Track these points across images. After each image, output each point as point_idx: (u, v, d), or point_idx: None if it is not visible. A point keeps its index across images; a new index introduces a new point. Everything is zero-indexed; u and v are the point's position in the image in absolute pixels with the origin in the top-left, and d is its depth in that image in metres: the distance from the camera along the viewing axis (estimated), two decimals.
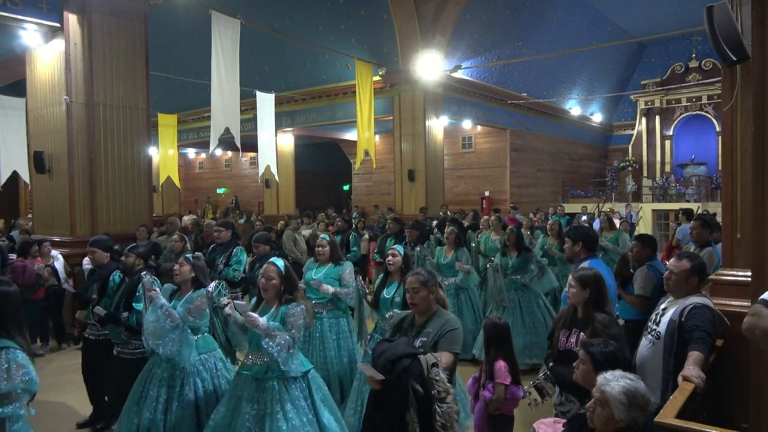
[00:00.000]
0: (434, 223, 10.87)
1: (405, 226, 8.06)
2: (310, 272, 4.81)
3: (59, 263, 7.15)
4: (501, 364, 3.56)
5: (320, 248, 4.79)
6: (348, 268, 4.71)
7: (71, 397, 5.29)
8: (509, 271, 6.15)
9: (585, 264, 3.89)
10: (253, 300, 3.64)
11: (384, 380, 2.61)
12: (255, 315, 3.24)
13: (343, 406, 4.21)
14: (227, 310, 3.38)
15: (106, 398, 4.69)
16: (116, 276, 4.61)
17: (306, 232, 10.38)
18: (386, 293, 4.16)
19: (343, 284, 4.63)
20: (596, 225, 10.04)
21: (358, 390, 4.05)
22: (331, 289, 4.58)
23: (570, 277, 3.25)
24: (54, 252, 7.18)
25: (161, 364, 3.72)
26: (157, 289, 3.70)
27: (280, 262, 3.48)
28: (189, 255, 4.03)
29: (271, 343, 3.19)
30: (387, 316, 3.87)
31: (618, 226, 9.23)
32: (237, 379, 3.48)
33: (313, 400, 3.38)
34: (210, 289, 3.49)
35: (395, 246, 4.43)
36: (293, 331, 3.27)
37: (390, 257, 4.23)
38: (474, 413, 3.62)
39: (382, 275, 4.42)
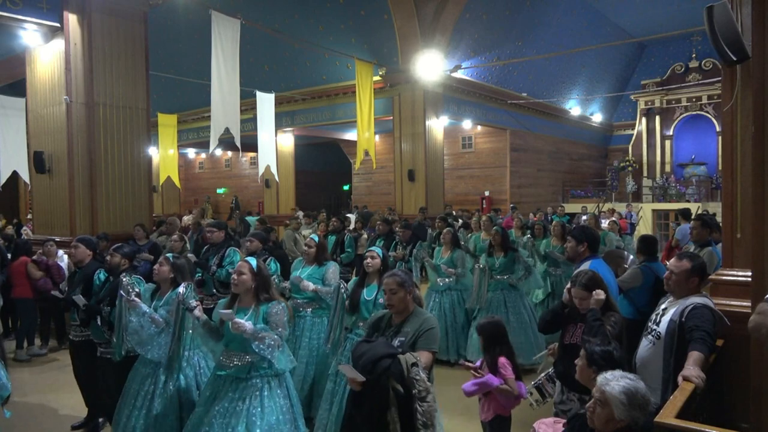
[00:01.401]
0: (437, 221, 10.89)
1: (398, 227, 8.09)
2: (296, 272, 4.84)
3: (64, 264, 7.16)
4: (504, 360, 3.55)
5: (307, 248, 4.85)
6: (331, 269, 4.73)
7: (71, 397, 5.27)
8: (496, 271, 6.16)
9: (586, 264, 3.89)
10: (221, 301, 3.60)
11: (365, 381, 2.64)
12: (241, 321, 3.20)
13: (318, 406, 4.17)
14: (196, 312, 3.36)
15: (96, 398, 4.66)
16: (101, 274, 4.56)
17: (306, 232, 10.38)
18: (366, 295, 4.10)
19: (326, 284, 4.66)
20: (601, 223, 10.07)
21: (333, 391, 4.01)
22: (311, 286, 4.61)
23: (576, 288, 3.18)
24: (60, 252, 7.18)
25: (146, 361, 3.74)
26: (137, 299, 3.68)
27: (253, 261, 3.48)
28: (170, 255, 4.03)
29: (261, 346, 3.19)
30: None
31: (604, 225, 9.33)
32: (213, 379, 3.45)
33: (291, 399, 3.41)
34: (181, 291, 3.48)
35: (373, 247, 4.41)
36: (280, 329, 3.29)
37: (369, 259, 4.19)
38: (471, 386, 3.47)
39: (356, 278, 4.38)
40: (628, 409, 2.14)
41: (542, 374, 3.49)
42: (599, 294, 3.12)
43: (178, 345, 3.59)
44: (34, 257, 6.88)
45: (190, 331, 3.75)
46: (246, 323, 3.21)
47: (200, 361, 3.84)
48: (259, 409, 3.23)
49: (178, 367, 3.71)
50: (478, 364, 3.72)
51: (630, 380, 2.20)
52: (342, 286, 4.24)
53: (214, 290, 5.89)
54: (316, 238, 4.91)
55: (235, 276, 3.41)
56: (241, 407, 3.25)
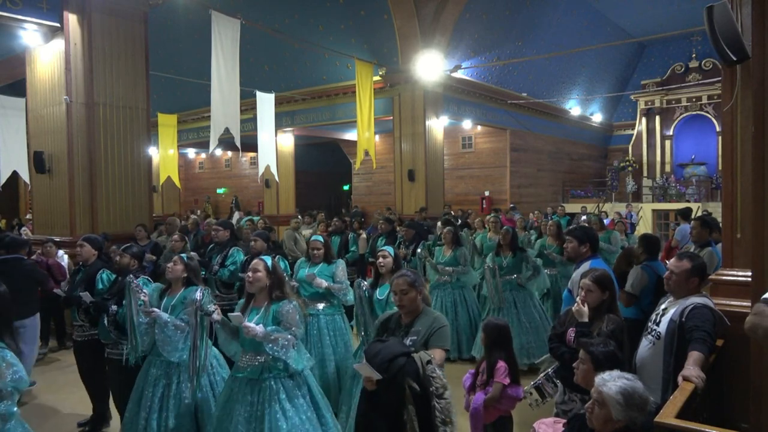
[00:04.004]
0: (439, 224, 10.91)
1: (401, 226, 8.09)
2: (303, 270, 4.83)
3: (64, 263, 7.15)
4: (501, 365, 3.58)
5: (315, 251, 4.84)
6: (341, 266, 4.79)
7: (71, 397, 5.28)
8: (503, 271, 6.15)
9: (587, 264, 3.90)
10: (241, 302, 3.59)
11: (380, 380, 2.64)
12: (252, 325, 3.20)
13: (343, 405, 4.20)
14: (215, 316, 3.35)
15: (102, 397, 4.67)
16: (103, 274, 4.55)
17: (307, 232, 10.37)
18: (379, 294, 4.13)
19: (336, 281, 4.70)
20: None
21: (350, 391, 4.04)
22: (324, 283, 4.64)
23: (585, 280, 3.21)
24: (60, 252, 7.18)
25: (157, 363, 3.72)
26: (156, 310, 3.67)
27: (268, 259, 3.47)
28: (184, 255, 4.06)
29: (275, 348, 3.17)
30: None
31: (606, 224, 9.40)
32: (231, 381, 3.46)
33: (313, 395, 3.39)
34: (197, 297, 3.46)
35: (385, 247, 4.43)
36: (293, 328, 3.27)
37: (381, 258, 4.20)
38: (470, 407, 3.62)
39: (371, 279, 4.39)
40: (625, 409, 2.14)
41: (542, 374, 3.50)
42: (580, 307, 3.15)
43: (200, 351, 3.56)
44: (33, 257, 6.87)
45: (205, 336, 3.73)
46: (257, 327, 3.19)
47: (212, 360, 3.84)
48: (281, 413, 3.20)
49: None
50: (468, 377, 3.74)
51: (627, 380, 2.20)
52: (363, 285, 4.24)
53: (216, 290, 5.88)
54: (321, 239, 4.91)
55: (250, 274, 3.39)
56: (262, 411, 3.22)
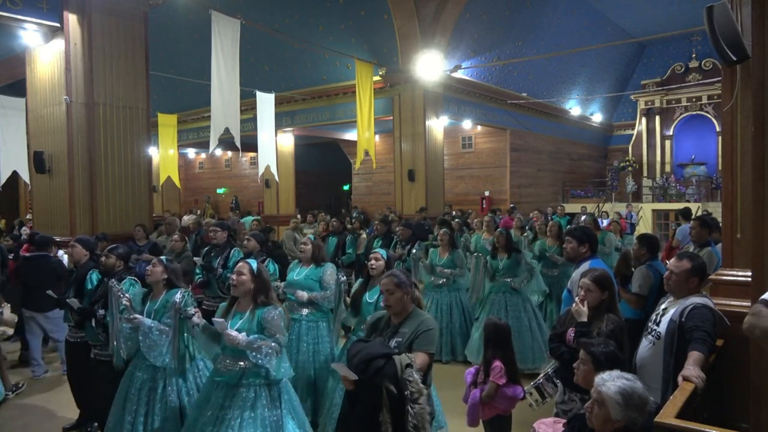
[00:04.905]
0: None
1: (397, 226, 8.06)
2: (292, 273, 4.77)
3: (64, 263, 7.15)
4: (497, 364, 3.59)
5: (303, 246, 4.77)
6: (329, 270, 4.63)
7: (70, 396, 5.26)
8: (500, 273, 6.12)
9: (586, 264, 3.90)
10: (223, 305, 3.52)
11: (358, 380, 2.61)
12: (234, 333, 3.16)
13: (322, 411, 4.18)
14: (195, 319, 3.30)
15: (89, 401, 4.63)
16: (93, 275, 4.53)
17: (308, 231, 10.37)
18: (368, 297, 4.07)
19: (324, 286, 4.56)
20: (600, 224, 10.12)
21: (332, 393, 4.02)
22: (305, 295, 4.53)
23: (585, 280, 3.21)
24: (60, 252, 7.17)
25: (142, 366, 3.67)
26: (138, 317, 3.61)
27: (253, 262, 3.42)
28: (163, 257, 3.98)
29: (258, 356, 3.13)
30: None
31: (603, 226, 9.37)
32: (210, 384, 3.42)
33: (281, 409, 3.31)
34: (177, 300, 3.41)
35: (379, 249, 4.36)
36: (278, 335, 3.21)
37: (373, 261, 4.14)
38: (468, 402, 3.67)
39: (361, 279, 4.33)
40: (624, 409, 2.14)
41: (542, 375, 3.50)
42: (579, 306, 3.16)
43: (179, 351, 3.54)
44: None
45: (186, 336, 3.70)
46: (239, 335, 3.15)
47: (199, 363, 3.81)
48: (239, 420, 3.16)
49: (180, 370, 3.67)
50: (471, 371, 3.77)
51: (626, 380, 2.20)
52: (342, 275, 4.23)
53: (219, 292, 5.83)
54: (312, 237, 4.86)
55: (234, 277, 3.33)
56: (225, 416, 3.19)
